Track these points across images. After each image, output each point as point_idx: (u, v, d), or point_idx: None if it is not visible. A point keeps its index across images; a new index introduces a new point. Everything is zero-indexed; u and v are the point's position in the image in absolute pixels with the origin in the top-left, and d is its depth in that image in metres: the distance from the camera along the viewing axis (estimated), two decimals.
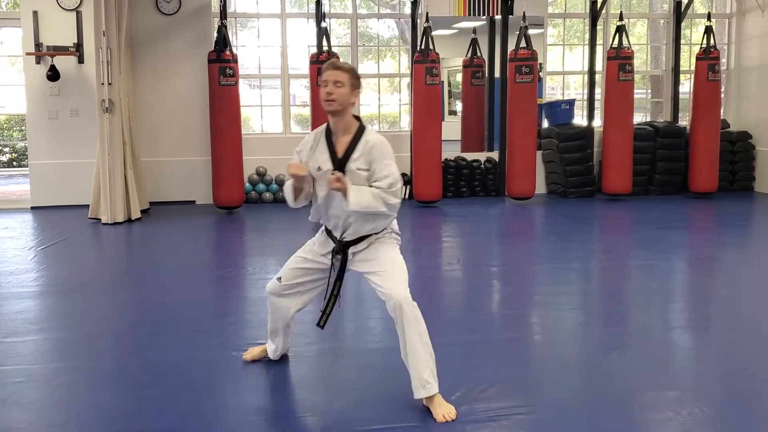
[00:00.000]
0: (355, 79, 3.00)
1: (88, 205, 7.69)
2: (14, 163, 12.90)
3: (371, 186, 2.96)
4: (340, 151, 3.01)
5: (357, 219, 3.01)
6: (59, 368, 3.53)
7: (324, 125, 3.11)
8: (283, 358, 3.52)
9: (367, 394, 3.17)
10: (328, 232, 3.15)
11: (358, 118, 3.07)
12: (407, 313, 2.88)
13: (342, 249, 3.08)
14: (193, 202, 8.79)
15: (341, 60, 3.11)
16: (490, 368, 3.44)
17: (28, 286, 5.09)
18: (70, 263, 5.93)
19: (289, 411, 3.08)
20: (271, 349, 3.47)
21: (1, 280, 5.23)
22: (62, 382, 3.35)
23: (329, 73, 2.96)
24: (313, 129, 9.01)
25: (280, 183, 8.78)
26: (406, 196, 8.98)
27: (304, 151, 3.10)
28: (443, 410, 2.89)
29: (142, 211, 7.90)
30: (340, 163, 2.98)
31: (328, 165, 3.00)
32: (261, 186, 8.80)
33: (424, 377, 2.90)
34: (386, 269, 2.99)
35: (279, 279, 3.28)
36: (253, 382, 3.33)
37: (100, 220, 7.51)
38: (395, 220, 3.19)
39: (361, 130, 3.02)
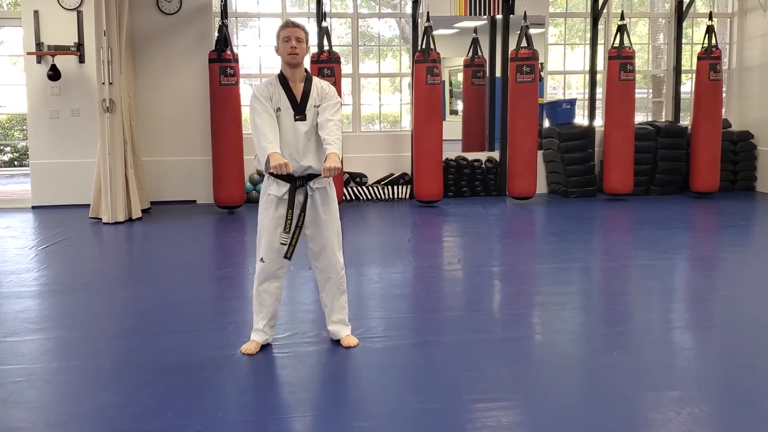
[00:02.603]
0: (308, 36, 3.56)
1: (89, 205, 7.69)
2: (15, 162, 12.91)
3: (325, 119, 3.44)
4: (298, 95, 3.50)
5: (315, 155, 3.48)
6: (60, 368, 3.53)
7: (271, 80, 3.54)
8: (283, 358, 3.53)
9: (367, 394, 3.17)
10: (277, 177, 3.46)
11: (306, 70, 3.58)
12: (343, 279, 3.69)
13: (303, 183, 3.49)
14: (194, 201, 8.79)
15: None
16: (490, 368, 3.44)
17: (29, 285, 5.09)
18: (70, 263, 5.93)
19: (289, 411, 3.07)
20: (264, 338, 3.67)
21: (2, 279, 5.24)
22: (63, 381, 3.35)
23: (291, 30, 3.47)
24: None
25: None
26: (407, 196, 8.98)
27: (263, 97, 3.46)
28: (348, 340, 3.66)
29: (143, 211, 7.90)
30: (300, 105, 3.48)
31: (288, 106, 3.48)
32: (262, 186, 8.79)
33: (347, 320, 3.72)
34: (333, 231, 3.59)
35: (262, 260, 3.58)
36: (253, 382, 3.33)
37: (100, 219, 7.52)
38: None
39: (309, 77, 3.56)
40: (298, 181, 3.48)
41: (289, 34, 3.47)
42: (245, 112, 8.34)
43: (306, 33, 3.53)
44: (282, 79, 3.52)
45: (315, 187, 3.53)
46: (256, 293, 3.68)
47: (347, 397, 3.17)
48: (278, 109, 3.47)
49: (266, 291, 3.64)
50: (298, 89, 3.51)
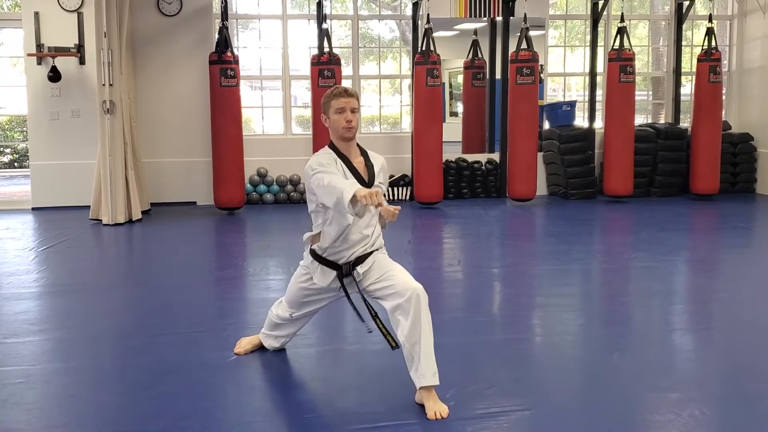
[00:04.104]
0: (359, 104, 3.16)
1: (89, 206, 7.69)
2: (15, 164, 12.91)
3: None
4: (362, 172, 3.11)
5: (376, 230, 3.16)
6: (59, 369, 3.53)
7: (326, 150, 3.13)
8: (283, 358, 3.53)
9: (366, 395, 3.16)
10: (323, 260, 3.15)
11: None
12: (424, 302, 2.92)
13: (350, 271, 3.11)
14: (194, 203, 8.79)
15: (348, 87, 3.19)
16: (490, 369, 3.44)
17: (29, 286, 5.09)
18: (70, 264, 5.93)
19: (289, 412, 3.07)
20: (274, 346, 3.56)
21: (2, 280, 5.23)
22: (62, 382, 3.35)
23: (345, 100, 3.06)
24: (313, 130, 8.97)
25: (281, 184, 8.78)
26: (407, 197, 8.98)
27: (331, 167, 3.02)
28: (437, 407, 2.90)
29: (143, 212, 7.90)
30: (368, 184, 3.09)
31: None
32: (262, 187, 8.80)
33: (435, 366, 2.92)
34: (393, 269, 3.07)
35: (291, 315, 3.37)
36: (253, 383, 3.33)
37: (101, 221, 7.51)
38: None
39: (363, 149, 3.19)
40: (345, 268, 3.11)
41: (344, 106, 3.05)
42: (245, 113, 8.35)
43: (358, 100, 3.13)
44: (340, 155, 3.11)
45: (362, 271, 3.10)
46: (273, 316, 3.50)
47: (347, 399, 3.16)
48: None
49: (280, 323, 3.48)
50: (360, 165, 3.13)
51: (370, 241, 3.12)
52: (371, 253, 3.13)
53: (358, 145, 3.18)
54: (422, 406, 2.93)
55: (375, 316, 3.10)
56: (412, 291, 2.91)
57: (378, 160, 3.18)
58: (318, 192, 2.95)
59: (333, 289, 3.20)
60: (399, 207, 2.88)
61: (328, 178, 2.90)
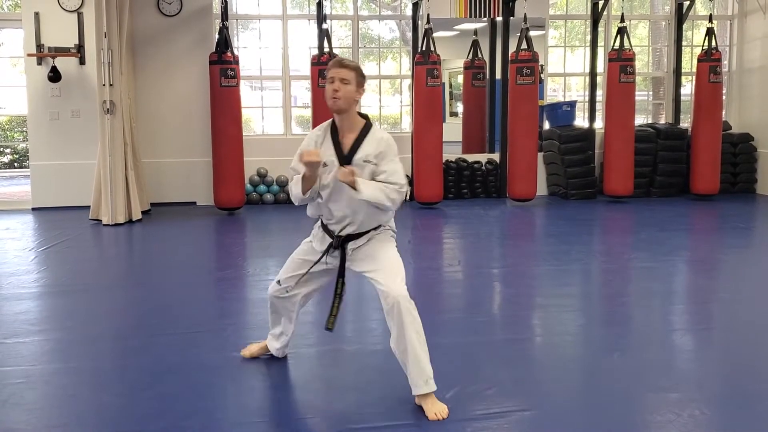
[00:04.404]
0: (361, 77, 3.00)
1: (89, 206, 7.69)
2: (15, 164, 12.91)
3: (375, 180, 2.99)
4: (347, 147, 3.01)
5: (365, 214, 3.02)
6: (59, 369, 3.53)
7: (329, 121, 3.08)
8: (283, 358, 3.52)
9: (366, 395, 3.16)
10: (325, 228, 3.13)
11: (365, 116, 3.08)
12: (405, 310, 2.87)
13: (340, 244, 3.07)
14: (194, 203, 8.79)
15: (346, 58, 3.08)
16: (490, 369, 3.44)
17: (29, 287, 5.08)
18: (70, 264, 5.93)
19: (289, 412, 3.07)
20: (275, 347, 3.49)
21: (2, 281, 5.23)
22: (62, 383, 3.35)
23: (335, 70, 2.95)
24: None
25: (281, 184, 8.78)
26: (407, 198, 8.98)
27: (311, 146, 3.06)
28: (436, 408, 2.89)
29: (143, 212, 7.90)
30: (346, 160, 2.99)
31: (334, 161, 2.99)
32: (262, 187, 8.80)
33: (426, 373, 2.91)
34: (384, 266, 2.99)
35: (279, 282, 3.30)
36: (253, 383, 3.33)
37: (101, 221, 7.51)
38: (393, 217, 3.21)
39: (367, 127, 3.04)
40: (335, 241, 3.07)
41: (334, 75, 2.94)
42: (245, 113, 8.35)
43: (355, 72, 2.96)
44: (333, 127, 3.05)
45: (353, 248, 3.07)
46: (269, 303, 3.44)
47: (347, 400, 3.16)
48: (324, 164, 2.98)
49: (274, 305, 3.40)
50: (347, 140, 3.01)
51: (356, 219, 3.03)
52: (367, 232, 3.07)
53: (367, 121, 3.06)
54: (422, 407, 2.93)
55: (338, 295, 3.09)
56: (394, 300, 2.87)
57: (373, 144, 3.01)
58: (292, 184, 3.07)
59: (323, 268, 3.17)
60: (352, 168, 2.89)
61: (294, 179, 3.02)
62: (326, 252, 3.11)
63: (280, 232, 7.39)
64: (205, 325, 4.17)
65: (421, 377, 2.90)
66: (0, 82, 10.34)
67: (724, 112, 9.51)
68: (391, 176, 3.01)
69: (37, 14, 8.15)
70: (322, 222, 3.16)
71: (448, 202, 8.76)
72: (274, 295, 3.35)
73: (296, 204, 3.14)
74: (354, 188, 2.90)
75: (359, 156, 2.99)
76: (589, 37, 9.44)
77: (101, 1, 7.27)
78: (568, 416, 2.95)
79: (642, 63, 10.46)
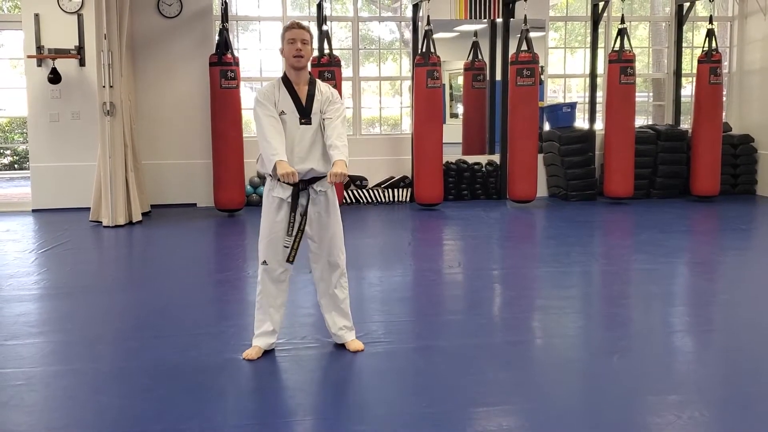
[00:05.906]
0: (313, 38, 3.56)
1: (89, 208, 7.69)
2: (15, 165, 12.92)
3: (324, 120, 3.45)
4: (303, 98, 3.48)
5: (319, 159, 3.47)
6: (59, 371, 3.53)
7: (277, 79, 3.53)
8: (282, 359, 3.53)
9: (367, 398, 3.16)
10: (279, 181, 3.43)
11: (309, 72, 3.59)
12: (344, 281, 3.66)
13: (305, 186, 3.48)
14: (194, 204, 8.79)
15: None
16: (490, 372, 3.44)
17: (29, 288, 5.09)
18: (71, 266, 5.93)
19: (289, 414, 3.07)
20: (267, 343, 3.62)
21: (2, 282, 5.23)
22: (62, 384, 3.35)
23: (296, 31, 3.45)
24: None
25: None
26: (408, 199, 8.98)
27: (268, 102, 3.44)
28: (354, 345, 3.65)
29: (143, 214, 7.90)
30: (305, 109, 3.46)
31: (293, 109, 3.46)
32: (262, 189, 8.79)
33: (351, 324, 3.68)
34: (336, 234, 3.58)
35: (265, 262, 3.56)
36: (253, 385, 3.33)
37: (101, 222, 7.51)
38: None
39: (313, 80, 3.55)
40: (301, 185, 3.45)
41: (295, 36, 3.44)
42: (246, 115, 8.35)
43: (311, 35, 3.51)
44: (286, 81, 3.50)
45: (318, 190, 3.51)
46: (258, 298, 3.65)
47: (347, 401, 3.16)
48: (282, 113, 3.44)
49: (269, 295, 3.61)
50: (302, 92, 3.49)
51: (315, 156, 3.45)
52: (323, 179, 3.46)
53: (311, 75, 3.54)
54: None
55: (300, 231, 3.47)
56: (340, 272, 3.65)
57: (325, 93, 3.50)
58: (258, 138, 3.45)
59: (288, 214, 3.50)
60: (345, 174, 3.29)
61: (266, 131, 3.37)
62: (295, 198, 3.45)
63: None
64: (206, 327, 4.17)
65: (349, 325, 3.71)
66: (0, 83, 10.34)
67: (724, 114, 9.51)
68: (340, 119, 3.47)
69: (37, 16, 8.16)
70: (275, 176, 3.42)
71: (448, 204, 8.76)
72: (268, 279, 3.59)
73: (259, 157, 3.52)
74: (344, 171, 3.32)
75: (315, 107, 3.47)
76: (589, 39, 9.44)
77: (101, 2, 7.27)
78: (568, 418, 2.95)
79: (642, 64, 10.47)
